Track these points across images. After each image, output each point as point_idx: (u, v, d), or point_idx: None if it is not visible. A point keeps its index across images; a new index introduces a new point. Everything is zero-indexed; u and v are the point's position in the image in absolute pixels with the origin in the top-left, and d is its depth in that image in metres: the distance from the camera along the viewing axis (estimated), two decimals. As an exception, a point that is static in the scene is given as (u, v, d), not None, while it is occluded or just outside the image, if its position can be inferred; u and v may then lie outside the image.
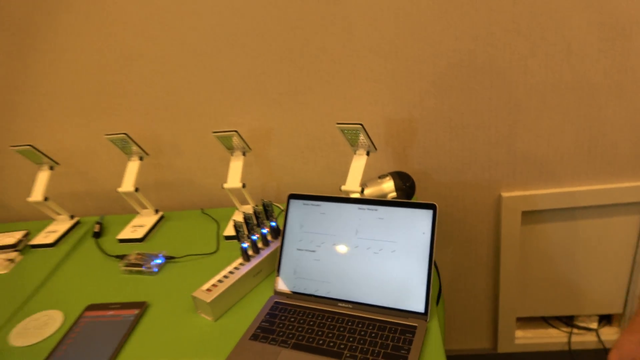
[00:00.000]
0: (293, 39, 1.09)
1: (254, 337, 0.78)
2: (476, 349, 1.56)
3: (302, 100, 1.16)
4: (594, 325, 1.48)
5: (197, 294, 0.85)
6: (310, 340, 0.76)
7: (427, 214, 0.80)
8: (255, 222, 0.94)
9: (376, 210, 0.84)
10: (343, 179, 1.20)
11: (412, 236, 0.80)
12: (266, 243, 0.95)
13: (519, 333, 1.51)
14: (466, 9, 1.03)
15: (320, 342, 0.75)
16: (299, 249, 0.88)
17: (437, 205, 0.80)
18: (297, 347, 0.75)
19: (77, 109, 1.22)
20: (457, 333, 1.53)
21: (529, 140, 1.18)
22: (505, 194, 1.25)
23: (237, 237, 0.91)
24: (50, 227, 1.22)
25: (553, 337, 1.49)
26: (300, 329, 0.78)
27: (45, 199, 1.17)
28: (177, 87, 1.17)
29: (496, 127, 1.17)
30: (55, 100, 1.21)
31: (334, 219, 0.87)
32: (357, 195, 0.97)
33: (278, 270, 0.89)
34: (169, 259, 1.04)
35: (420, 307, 0.77)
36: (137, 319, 0.87)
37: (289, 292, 0.87)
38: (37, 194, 1.17)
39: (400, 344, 0.72)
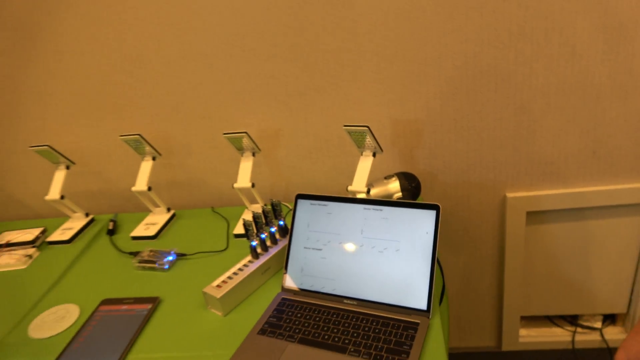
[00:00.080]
0: (301, 43, 1.11)
1: (262, 331, 0.81)
2: (481, 347, 1.57)
3: (310, 101, 1.18)
4: (598, 324, 1.48)
5: (207, 289, 0.87)
6: (316, 335, 0.78)
7: (430, 215, 0.82)
8: (264, 221, 0.96)
9: (381, 210, 0.86)
10: (350, 179, 1.23)
11: (416, 236, 0.82)
12: (274, 241, 0.97)
13: (523, 332, 1.52)
14: (471, 13, 1.05)
15: (326, 337, 0.78)
16: (306, 248, 0.90)
17: (440, 205, 0.82)
18: (303, 341, 0.77)
19: (92, 111, 1.25)
20: (462, 331, 1.54)
21: (533, 141, 1.19)
22: (510, 195, 1.26)
23: (247, 235, 0.93)
24: (66, 225, 1.25)
25: (557, 336, 1.49)
26: (306, 325, 0.81)
27: (62, 197, 1.20)
28: (188, 89, 1.19)
29: (501, 128, 1.18)
30: (72, 102, 1.24)
31: (340, 218, 0.89)
32: (363, 196, 0.99)
33: (286, 268, 0.91)
34: (180, 256, 1.07)
35: (422, 305, 0.79)
36: (150, 314, 0.89)
37: (296, 289, 0.89)
38: (54, 193, 1.20)
39: (402, 340, 0.75)
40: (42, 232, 1.22)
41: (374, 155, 1.01)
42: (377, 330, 0.77)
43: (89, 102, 1.24)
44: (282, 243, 0.97)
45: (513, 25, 1.05)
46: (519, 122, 1.17)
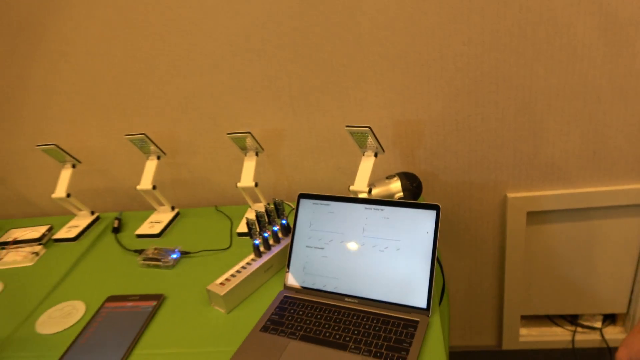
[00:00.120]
0: (305, 45, 1.12)
1: (265, 328, 0.82)
2: (481, 346, 1.58)
3: (313, 102, 1.19)
4: (598, 324, 1.48)
5: (211, 287, 0.88)
6: (318, 332, 0.79)
7: (430, 214, 0.83)
8: (266, 219, 0.97)
9: (382, 210, 0.87)
10: (352, 178, 1.23)
11: (416, 235, 0.83)
12: (277, 240, 0.98)
13: (524, 331, 1.52)
14: (473, 15, 1.05)
15: (327, 334, 0.79)
16: (308, 246, 0.91)
17: (440, 205, 0.83)
18: (304, 338, 0.79)
19: (98, 111, 1.26)
20: (462, 330, 1.55)
21: (534, 142, 1.20)
22: (510, 195, 1.26)
23: (250, 234, 0.94)
24: (72, 222, 1.26)
25: (557, 335, 1.50)
26: (308, 322, 0.82)
27: (68, 195, 1.21)
28: (193, 90, 1.21)
29: (502, 129, 1.19)
30: (78, 102, 1.26)
31: (341, 218, 0.90)
32: (364, 195, 1.00)
33: (288, 266, 0.92)
34: (184, 253, 1.08)
35: (422, 303, 0.80)
36: (155, 310, 0.91)
37: (298, 287, 0.90)
38: (60, 191, 1.21)
39: (402, 337, 0.76)
40: (49, 230, 1.24)
41: (375, 155, 1.02)
42: (377, 328, 0.78)
43: (95, 102, 1.25)
44: (285, 242, 0.98)
45: (514, 27, 1.06)
46: (520, 123, 1.17)
